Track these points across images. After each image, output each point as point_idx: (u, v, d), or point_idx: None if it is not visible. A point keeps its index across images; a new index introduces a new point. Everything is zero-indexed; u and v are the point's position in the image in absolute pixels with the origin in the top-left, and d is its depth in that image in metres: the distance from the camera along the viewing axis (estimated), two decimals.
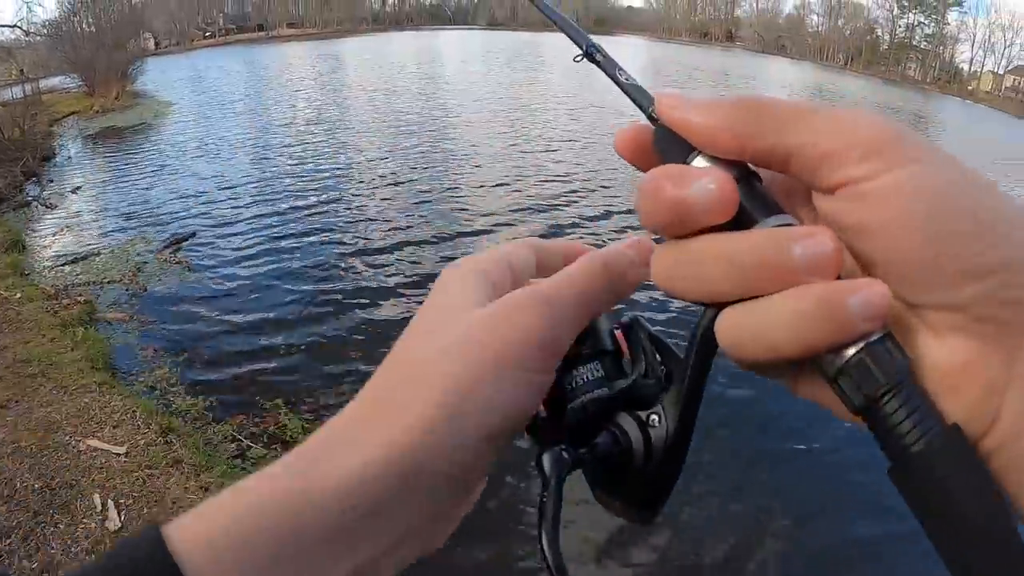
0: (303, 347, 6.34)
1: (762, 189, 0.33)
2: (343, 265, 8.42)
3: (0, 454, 4.20)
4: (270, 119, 20.94)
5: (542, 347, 0.37)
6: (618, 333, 0.47)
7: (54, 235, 10.25)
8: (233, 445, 4.75)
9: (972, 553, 0.26)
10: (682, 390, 0.38)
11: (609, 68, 0.49)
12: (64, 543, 3.47)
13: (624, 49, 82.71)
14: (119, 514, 3.70)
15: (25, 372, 5.32)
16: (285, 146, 16.01)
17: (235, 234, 9.59)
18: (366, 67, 40.07)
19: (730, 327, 0.32)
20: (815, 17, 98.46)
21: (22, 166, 14.49)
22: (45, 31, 35.79)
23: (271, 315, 7.02)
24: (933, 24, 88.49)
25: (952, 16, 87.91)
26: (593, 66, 0.51)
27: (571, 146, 15.40)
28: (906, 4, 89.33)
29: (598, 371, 0.44)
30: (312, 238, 9.34)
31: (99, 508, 3.75)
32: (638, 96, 0.41)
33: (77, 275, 8.34)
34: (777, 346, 0.29)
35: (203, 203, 11.31)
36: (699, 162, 0.33)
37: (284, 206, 10.89)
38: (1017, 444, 0.27)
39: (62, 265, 8.79)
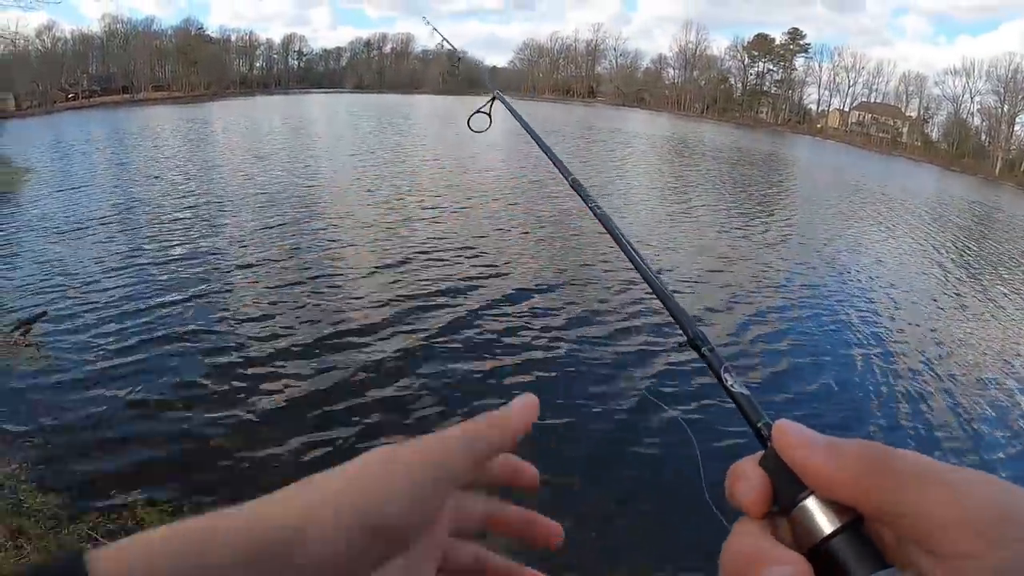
0: (161, 439, 6.09)
1: (867, 537, 0.34)
2: (204, 353, 8.10)
3: None
4: (132, 191, 20.13)
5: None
6: None
7: None
8: (90, 545, 4.43)
9: None
10: None
11: (715, 365, 0.48)
12: None
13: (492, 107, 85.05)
14: None
15: None
16: (147, 221, 15.39)
17: (91, 314, 9.09)
18: (233, 132, 39.42)
19: None
20: (671, 70, 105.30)
21: None
22: None
23: (128, 404, 6.69)
24: (782, 70, 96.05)
25: (799, 62, 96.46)
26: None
27: (450, 215, 15.39)
28: (756, 54, 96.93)
29: None
30: (173, 323, 8.92)
31: None
32: (749, 410, 0.42)
33: None
34: None
35: (57, 281, 10.65)
36: (807, 507, 0.35)
37: (144, 287, 10.37)
38: None
39: None
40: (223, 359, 7.92)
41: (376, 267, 11.46)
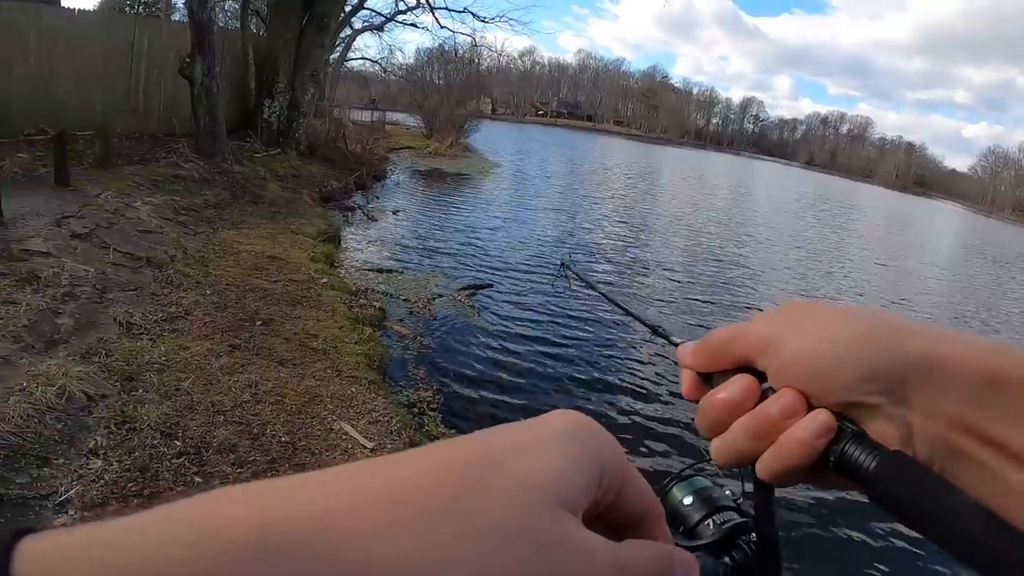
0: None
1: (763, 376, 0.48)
2: (619, 352, 8.48)
3: (265, 400, 4.65)
4: (580, 202, 21.87)
5: None
6: None
7: (368, 243, 11.77)
8: None
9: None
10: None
11: (667, 334, 0.70)
12: None
13: (938, 214, 76.16)
14: None
15: (309, 344, 5.90)
16: (586, 232, 16.66)
17: (525, 299, 10.08)
18: (680, 178, 40.42)
19: (760, 465, 0.45)
20: None
21: (356, 177, 16.67)
22: (401, 72, 41.22)
23: (539, 381, 7.22)
24: None
25: None
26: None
27: None
28: None
29: None
30: (599, 321, 9.42)
31: None
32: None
33: (378, 283, 9.39)
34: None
35: (502, 261, 12.18)
36: (712, 377, 0.50)
37: (578, 286, 10.97)
38: (941, 457, 0.40)
39: (367, 270, 9.99)
40: (642, 365, 8.20)
41: None
